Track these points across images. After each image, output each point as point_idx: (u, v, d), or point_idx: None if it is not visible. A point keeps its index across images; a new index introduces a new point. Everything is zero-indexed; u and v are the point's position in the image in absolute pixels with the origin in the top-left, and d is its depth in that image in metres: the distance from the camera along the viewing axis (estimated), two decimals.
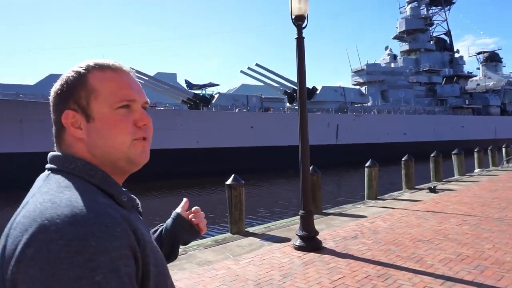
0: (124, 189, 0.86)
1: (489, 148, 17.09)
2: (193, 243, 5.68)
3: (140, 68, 32.15)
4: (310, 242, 5.49)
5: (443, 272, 4.43)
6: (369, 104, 42.24)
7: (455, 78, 50.65)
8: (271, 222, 7.91)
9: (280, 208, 13.48)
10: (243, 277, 4.48)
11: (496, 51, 59.21)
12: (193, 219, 1.20)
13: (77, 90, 0.82)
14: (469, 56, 64.25)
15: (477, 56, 60.19)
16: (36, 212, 0.69)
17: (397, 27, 52.78)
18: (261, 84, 36.72)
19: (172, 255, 1.18)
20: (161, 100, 33.15)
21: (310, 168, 8.05)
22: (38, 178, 0.83)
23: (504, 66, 58.76)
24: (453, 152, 14.28)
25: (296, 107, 33.74)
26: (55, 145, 0.86)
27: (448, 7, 56.32)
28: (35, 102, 22.42)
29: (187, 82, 40.95)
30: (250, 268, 4.79)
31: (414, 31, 51.27)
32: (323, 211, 8.23)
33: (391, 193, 10.42)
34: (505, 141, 21.35)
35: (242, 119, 29.75)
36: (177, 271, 4.69)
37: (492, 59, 56.57)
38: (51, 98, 0.85)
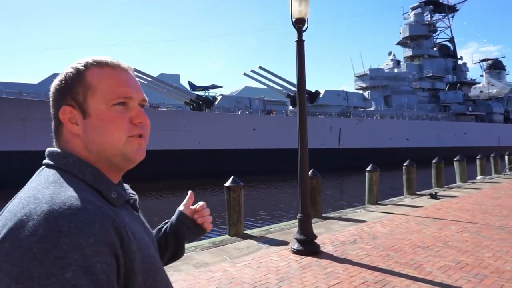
0: (117, 185, 0.87)
1: (492, 155, 16.98)
2: (190, 244, 5.64)
3: (144, 69, 32.27)
4: (308, 246, 5.44)
5: (442, 279, 4.37)
6: (372, 108, 42.21)
7: (459, 85, 50.54)
8: (270, 225, 7.87)
9: (280, 211, 13.43)
10: (239, 280, 4.44)
11: (500, 59, 59.16)
12: (198, 219, 1.18)
13: (75, 86, 0.83)
14: (472, 63, 64.42)
15: (481, 63, 60.12)
16: (18, 207, 0.70)
17: (400, 33, 52.76)
18: (264, 87, 36.75)
19: (178, 253, 1.18)
20: (164, 101, 33.21)
21: (310, 171, 8.05)
22: (35, 173, 0.84)
23: (507, 74, 58.69)
24: (455, 159, 14.20)
25: None
26: (53, 140, 0.87)
27: (452, 14, 56.34)
28: (38, 101, 22.47)
29: (190, 83, 41.00)
30: (246, 271, 4.74)
31: (418, 37, 51.23)
32: (323, 215, 8.18)
33: (391, 198, 10.36)
34: (508, 149, 21.22)
35: (245, 121, 29.75)
36: (173, 272, 4.65)
37: (495, 67, 56.49)
38: (50, 93, 0.87)
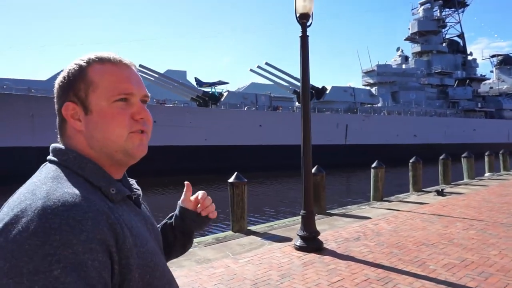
0: (119, 181, 0.88)
1: (501, 152, 16.77)
2: (193, 240, 5.64)
3: (150, 65, 32.19)
4: (311, 243, 5.41)
5: (446, 277, 4.31)
6: (379, 105, 41.91)
7: (468, 80, 49.96)
8: (274, 221, 7.85)
9: (285, 207, 13.41)
10: (241, 276, 4.43)
11: (511, 54, 58.24)
12: (202, 212, 1.15)
13: (77, 83, 0.84)
14: (482, 59, 63.51)
15: (491, 59, 59.28)
16: (16, 202, 0.71)
17: (409, 29, 52.25)
18: (271, 83, 36.64)
19: (187, 244, 1.19)
20: (171, 97, 33.27)
21: (315, 168, 8.01)
22: (39, 168, 0.85)
23: None
24: (463, 155, 14.04)
25: None
26: (58, 136, 0.88)
27: (462, 9, 55.62)
28: (47, 97, 22.64)
29: (196, 79, 41.04)
30: (248, 267, 4.73)
31: (427, 32, 50.68)
32: (327, 211, 8.14)
33: (397, 195, 10.27)
34: None
35: (251, 117, 29.71)
36: (175, 268, 4.65)
37: (506, 62, 55.63)
38: (54, 90, 0.87)
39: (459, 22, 55.64)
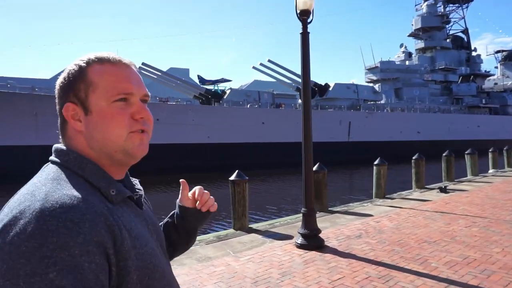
0: (120, 181, 0.88)
1: (505, 148, 16.65)
2: None
3: (153, 63, 32.30)
4: (312, 241, 5.39)
5: (448, 275, 4.29)
6: (382, 101, 41.72)
7: (472, 77, 49.60)
8: (275, 219, 7.83)
9: (288, 204, 13.39)
10: (241, 275, 4.42)
11: None
12: (202, 208, 1.13)
13: (77, 83, 0.84)
14: (487, 55, 63.16)
15: (496, 54, 58.86)
16: (15, 203, 0.72)
17: (412, 25, 51.91)
18: (274, 80, 36.58)
19: (191, 241, 1.19)
20: (173, 95, 33.28)
21: (316, 165, 7.98)
22: (41, 169, 0.86)
23: None
24: (466, 152, 13.96)
25: None
26: (60, 136, 0.88)
27: (466, 4, 55.21)
28: (50, 96, 22.64)
29: (199, 77, 41.01)
30: (249, 266, 4.72)
31: (430, 28, 50.36)
32: (329, 209, 8.11)
33: (400, 192, 10.23)
34: None
35: (254, 115, 29.67)
36: (176, 266, 4.65)
37: (511, 58, 55.18)
38: (55, 90, 0.88)
39: (463, 17, 55.29)
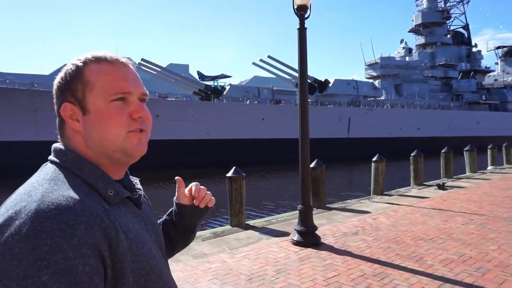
0: (119, 181, 0.87)
1: (504, 145, 16.63)
2: None
3: (153, 59, 32.16)
4: (308, 237, 5.39)
5: (443, 273, 4.28)
6: (382, 98, 41.64)
7: (472, 73, 49.44)
8: (273, 215, 7.83)
9: (286, 201, 13.38)
10: (236, 272, 4.41)
11: None
12: (200, 205, 1.12)
13: (74, 83, 0.84)
14: (487, 51, 62.89)
15: (496, 50, 58.60)
16: (12, 203, 0.72)
17: (413, 20, 51.69)
18: (273, 76, 36.48)
19: (190, 238, 1.18)
20: (173, 91, 33.23)
21: (314, 162, 7.97)
22: (40, 168, 0.86)
23: None
24: (465, 149, 13.93)
25: (309, 100, 33.41)
26: (58, 136, 0.88)
27: (467, 0, 54.91)
28: (50, 92, 22.37)
29: (199, 73, 40.93)
30: (244, 262, 4.71)
31: (431, 24, 50.13)
32: (327, 205, 8.10)
33: (398, 189, 10.22)
34: None
35: (253, 111, 29.62)
36: (171, 263, 4.61)
37: (511, 54, 55.01)
38: (53, 90, 0.88)
39: (464, 13, 55.06)
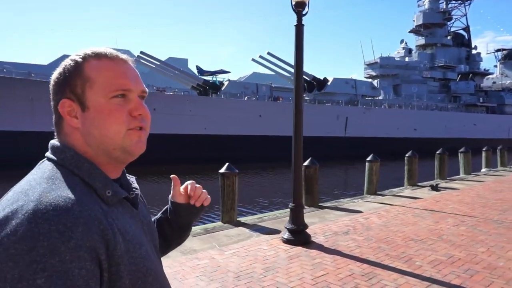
0: (116, 180, 0.86)
1: (499, 147, 16.68)
2: None
3: (152, 53, 32.01)
4: (299, 236, 5.38)
5: (431, 274, 4.28)
6: (380, 97, 41.68)
7: (471, 75, 49.54)
8: (265, 213, 7.82)
9: (279, 198, 13.38)
10: (224, 269, 4.40)
11: None
12: (195, 203, 1.11)
13: (73, 79, 0.82)
14: (487, 53, 62.89)
15: (496, 53, 58.74)
16: (9, 201, 0.70)
17: (414, 21, 51.67)
18: (272, 73, 36.43)
19: (185, 235, 1.17)
20: (171, 85, 33.16)
21: (308, 160, 7.97)
22: (37, 165, 0.84)
23: None
24: (460, 150, 13.97)
25: (307, 98, 33.35)
26: (55, 133, 0.86)
27: (469, 1, 54.98)
28: (47, 82, 22.37)
29: (198, 68, 40.84)
30: (233, 260, 4.70)
31: (432, 25, 50.12)
32: (320, 204, 8.10)
33: (391, 189, 10.23)
34: None
35: (251, 107, 29.58)
36: None
37: (511, 57, 55.12)
38: (50, 86, 0.85)
39: (465, 14, 55.09)
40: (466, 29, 55.15)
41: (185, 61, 53.39)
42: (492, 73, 55.03)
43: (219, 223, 6.53)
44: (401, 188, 10.55)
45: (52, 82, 0.85)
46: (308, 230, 5.62)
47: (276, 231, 5.95)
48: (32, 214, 0.66)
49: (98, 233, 0.70)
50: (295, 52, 5.70)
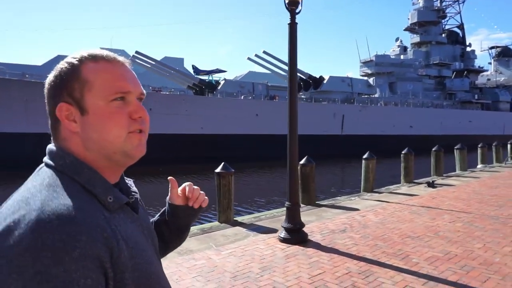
0: (116, 185, 0.85)
1: (494, 144, 16.75)
2: None
3: (147, 52, 31.94)
4: (295, 235, 5.37)
5: (428, 271, 4.29)
6: (376, 95, 41.77)
7: (466, 72, 49.72)
8: (262, 212, 7.81)
9: (276, 197, 13.37)
10: (221, 269, 4.38)
11: (510, 46, 57.86)
12: (194, 205, 1.10)
13: (70, 82, 0.80)
14: (481, 51, 63.29)
15: (490, 50, 58.94)
16: (10, 211, 0.69)
17: (408, 19, 51.74)
18: (269, 72, 36.41)
19: (184, 237, 1.16)
20: (167, 85, 33.05)
21: (304, 158, 7.97)
22: (35, 171, 0.82)
23: None
24: (455, 147, 14.02)
25: (303, 96, 33.33)
26: (51, 138, 0.84)
27: None
28: (41, 83, 22.22)
29: (194, 67, 40.69)
30: (230, 259, 4.69)
31: (426, 23, 50.23)
32: (317, 202, 8.10)
33: (388, 186, 10.25)
34: None
35: (247, 106, 29.55)
36: None
37: (504, 54, 55.27)
38: (45, 90, 0.83)
39: (459, 12, 55.25)
40: (460, 26, 55.32)
41: (180, 61, 53.26)
42: (486, 70, 55.26)
43: (216, 223, 6.52)
44: (397, 185, 10.58)
45: (47, 86, 0.83)
46: (305, 229, 5.62)
47: (273, 230, 5.94)
48: (35, 224, 0.65)
49: (102, 241, 0.69)
50: (289, 51, 5.69)
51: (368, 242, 5.37)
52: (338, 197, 8.97)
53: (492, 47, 58.58)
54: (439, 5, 52.37)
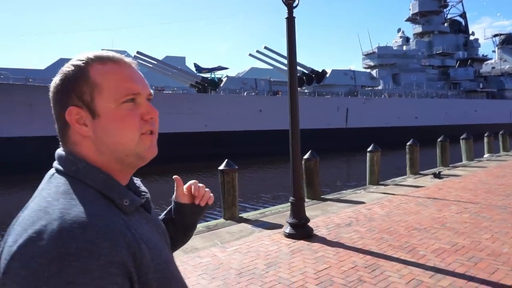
0: (128, 186, 0.85)
1: (501, 132, 16.58)
2: None
3: (149, 52, 32.02)
4: (300, 230, 5.34)
5: (435, 263, 4.24)
6: (380, 87, 41.51)
7: (470, 61, 49.25)
8: (267, 207, 7.79)
9: (281, 192, 13.34)
10: (226, 266, 4.37)
11: None
12: (200, 203, 1.11)
13: (79, 85, 0.79)
14: (485, 39, 62.82)
15: (493, 38, 58.37)
16: (29, 221, 0.68)
17: (410, 9, 51.34)
18: (271, 67, 36.28)
19: (190, 234, 1.16)
20: (169, 84, 33.08)
21: (308, 153, 7.93)
22: (46, 175, 0.81)
23: None
24: (461, 137, 13.89)
25: (306, 91, 33.20)
26: (60, 143, 0.83)
27: None
28: (45, 87, 22.27)
29: (196, 65, 40.60)
30: (235, 256, 4.67)
31: (428, 13, 49.78)
32: (322, 196, 8.06)
33: (394, 178, 10.18)
34: None
35: (251, 102, 29.50)
36: None
37: (508, 42, 54.69)
38: (51, 94, 0.82)
39: (461, 1, 54.62)
40: (463, 15, 54.76)
41: (182, 59, 53.29)
42: (490, 59, 54.70)
43: (221, 220, 6.50)
44: (403, 177, 10.51)
45: (53, 90, 0.81)
46: (310, 223, 5.59)
47: (279, 226, 5.92)
48: (58, 234, 0.64)
49: (125, 247, 0.69)
50: (287, 45, 5.65)
51: (374, 235, 5.33)
52: (344, 191, 8.92)
53: (495, 35, 58.00)
54: None
